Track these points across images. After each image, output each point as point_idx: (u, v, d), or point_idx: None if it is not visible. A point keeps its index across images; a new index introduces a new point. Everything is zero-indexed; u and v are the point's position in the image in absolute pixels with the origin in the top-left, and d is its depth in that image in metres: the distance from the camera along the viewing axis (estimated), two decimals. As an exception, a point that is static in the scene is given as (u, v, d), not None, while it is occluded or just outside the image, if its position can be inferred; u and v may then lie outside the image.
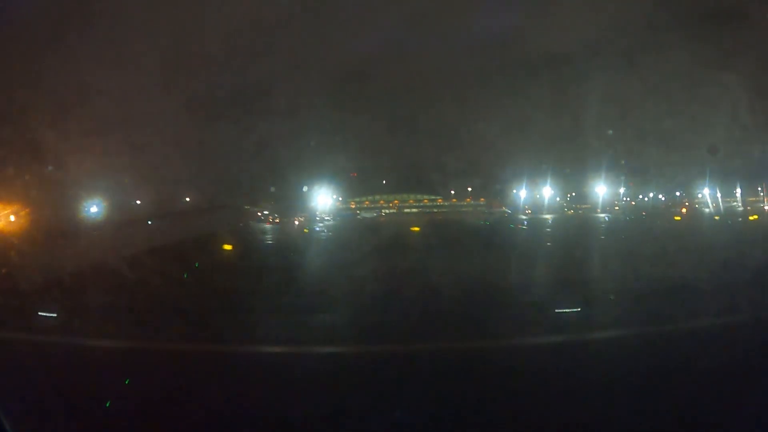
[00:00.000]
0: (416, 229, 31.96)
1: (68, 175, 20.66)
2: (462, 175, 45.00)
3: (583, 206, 47.42)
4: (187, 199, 32.74)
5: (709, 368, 5.79)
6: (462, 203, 51.17)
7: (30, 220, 18.81)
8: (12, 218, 19.30)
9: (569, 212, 46.81)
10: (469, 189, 51.35)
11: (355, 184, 46.98)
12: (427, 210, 49.70)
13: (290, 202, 39.34)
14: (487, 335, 7.73)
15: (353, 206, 48.48)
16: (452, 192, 51.88)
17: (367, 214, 47.24)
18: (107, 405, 5.44)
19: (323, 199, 41.13)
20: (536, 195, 47.63)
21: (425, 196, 50.95)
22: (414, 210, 50.16)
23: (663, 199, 50.88)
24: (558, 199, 47.18)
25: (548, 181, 44.79)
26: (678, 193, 49.97)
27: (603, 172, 42.31)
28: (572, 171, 44.90)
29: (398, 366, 6.61)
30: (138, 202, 29.85)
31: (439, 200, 50.79)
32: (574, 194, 49.63)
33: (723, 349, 6.49)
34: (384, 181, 49.90)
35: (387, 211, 49.00)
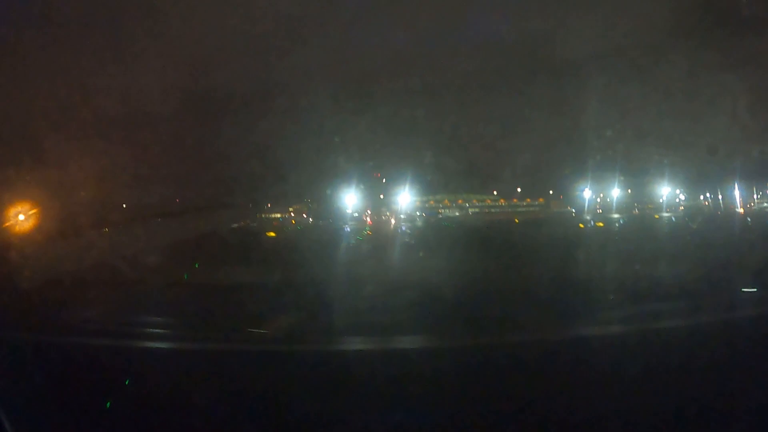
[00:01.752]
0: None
1: (73, 175, 20.79)
2: (516, 175, 45.90)
3: (647, 206, 48.46)
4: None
5: None
6: (522, 203, 52.08)
7: (39, 219, 18.97)
8: (21, 217, 19.32)
9: (635, 212, 47.66)
10: (519, 189, 52.27)
11: (417, 184, 47.37)
12: (493, 209, 50.59)
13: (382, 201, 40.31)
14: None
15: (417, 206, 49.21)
16: (495, 192, 52.82)
17: (450, 213, 48.12)
18: (107, 405, 5.45)
19: (403, 199, 42.18)
20: (599, 195, 48.62)
21: (486, 196, 51.81)
22: (476, 209, 50.99)
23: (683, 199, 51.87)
24: (624, 198, 47.75)
25: (616, 181, 45.57)
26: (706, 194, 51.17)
27: (665, 173, 43.51)
28: (629, 171, 45.76)
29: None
30: (177, 200, 31.16)
31: (501, 200, 51.72)
32: (630, 194, 50.37)
33: None
34: (445, 182, 50.17)
35: (461, 211, 49.86)
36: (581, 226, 38.69)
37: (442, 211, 48.69)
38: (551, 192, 51.69)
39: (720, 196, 49.10)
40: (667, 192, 46.54)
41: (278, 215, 54.02)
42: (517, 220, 43.93)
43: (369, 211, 41.10)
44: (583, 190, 47.46)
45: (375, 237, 33.84)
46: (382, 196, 44.02)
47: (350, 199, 39.67)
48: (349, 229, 37.20)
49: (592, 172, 43.81)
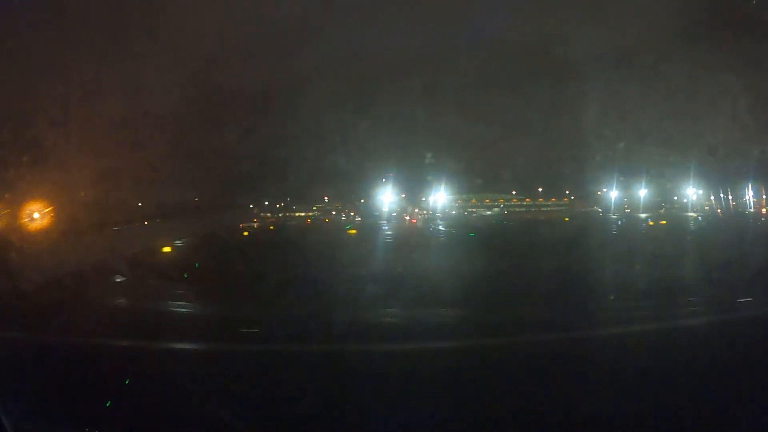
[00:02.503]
0: None
1: (85, 173, 20.89)
2: (535, 175, 46.22)
3: (674, 206, 48.12)
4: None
5: None
6: (548, 202, 52.37)
7: (53, 218, 19.04)
8: (36, 215, 19.43)
9: (662, 212, 47.32)
10: (540, 189, 52.44)
11: (445, 185, 47.75)
12: (518, 209, 50.98)
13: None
14: None
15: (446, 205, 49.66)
16: (513, 192, 53.05)
17: (484, 212, 48.72)
18: (107, 405, 5.42)
19: (435, 199, 43.21)
20: (622, 195, 48.25)
21: (512, 196, 52.17)
22: (504, 209, 51.37)
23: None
24: (651, 198, 47.23)
25: (641, 182, 45.19)
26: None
27: (691, 173, 42.98)
28: (648, 172, 45.11)
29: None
30: (196, 199, 32.41)
31: (527, 200, 52.01)
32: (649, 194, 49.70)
33: None
34: (471, 182, 50.36)
35: (496, 210, 50.41)
36: (651, 223, 38.79)
37: (476, 210, 49.30)
38: (566, 192, 52.47)
39: (730, 197, 48.72)
40: (691, 192, 46.30)
41: (302, 214, 55.10)
42: (567, 219, 44.05)
43: (416, 210, 42.12)
44: (600, 191, 47.63)
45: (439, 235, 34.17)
46: (404, 195, 45.17)
47: (387, 199, 40.72)
48: (403, 228, 38.09)
49: (610, 173, 43.88)
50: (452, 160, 41.58)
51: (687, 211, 45.38)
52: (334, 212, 50.08)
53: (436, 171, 41.79)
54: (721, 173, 40.14)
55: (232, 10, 30.90)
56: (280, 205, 54.37)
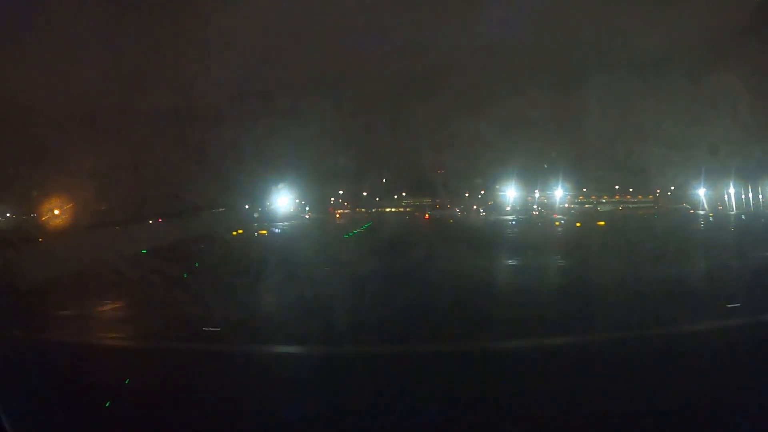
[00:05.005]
0: None
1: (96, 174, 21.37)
2: (618, 172, 49.15)
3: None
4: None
5: None
6: (634, 200, 55.51)
7: (71, 215, 20.21)
8: (56, 212, 20.66)
9: (751, 210, 49.76)
10: (617, 187, 55.69)
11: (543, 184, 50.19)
12: (619, 205, 54.23)
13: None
14: None
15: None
16: (584, 189, 56.07)
17: (600, 209, 52.01)
18: (107, 405, 5.45)
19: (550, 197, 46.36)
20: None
21: (603, 193, 55.24)
22: (619, 206, 54.39)
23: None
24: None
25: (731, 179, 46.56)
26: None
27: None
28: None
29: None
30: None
31: (616, 196, 55.14)
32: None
33: None
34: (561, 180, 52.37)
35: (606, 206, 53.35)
36: None
37: (588, 206, 52.51)
38: (631, 189, 55.27)
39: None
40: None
41: (392, 209, 56.66)
42: (712, 215, 45.77)
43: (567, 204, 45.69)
44: (674, 187, 50.41)
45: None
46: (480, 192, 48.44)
47: (510, 195, 43.99)
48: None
49: (696, 170, 44.70)
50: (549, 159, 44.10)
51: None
52: (440, 207, 51.33)
53: (542, 169, 44.52)
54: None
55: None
56: (336, 200, 56.48)
